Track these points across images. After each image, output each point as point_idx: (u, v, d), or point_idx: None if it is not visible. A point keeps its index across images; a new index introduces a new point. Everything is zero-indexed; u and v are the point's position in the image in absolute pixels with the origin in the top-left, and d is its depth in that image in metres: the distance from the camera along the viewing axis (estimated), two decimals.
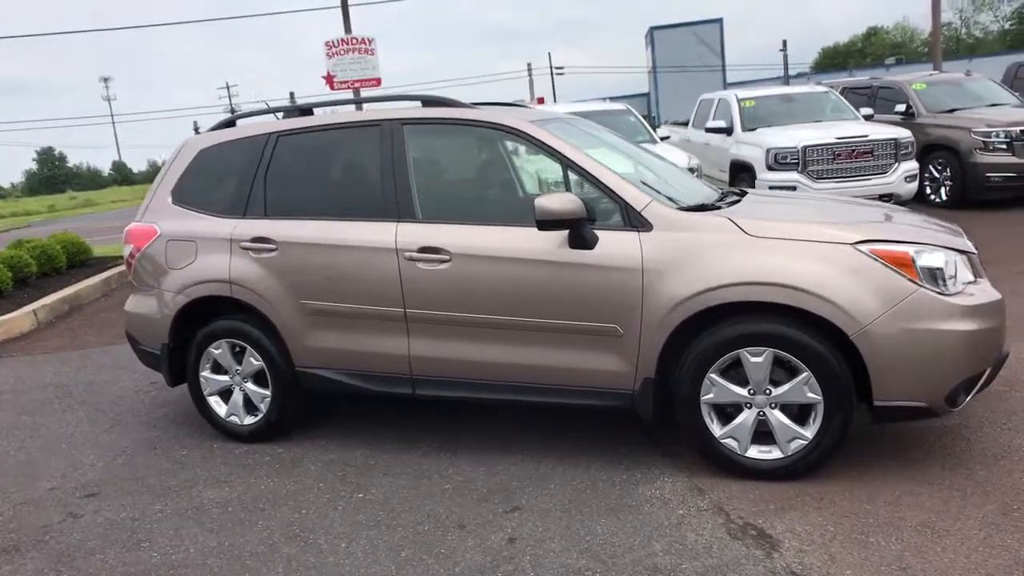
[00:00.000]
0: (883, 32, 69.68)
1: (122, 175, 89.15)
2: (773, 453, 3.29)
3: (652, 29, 39.85)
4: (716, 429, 3.34)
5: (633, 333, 3.36)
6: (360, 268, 3.81)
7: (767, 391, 3.24)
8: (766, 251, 3.19)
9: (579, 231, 3.39)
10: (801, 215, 3.60)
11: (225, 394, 4.32)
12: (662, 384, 3.40)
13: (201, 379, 4.32)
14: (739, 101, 10.91)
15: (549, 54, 75.22)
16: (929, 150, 10.57)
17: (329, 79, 13.71)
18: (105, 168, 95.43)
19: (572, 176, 3.75)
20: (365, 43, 15.22)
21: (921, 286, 3.05)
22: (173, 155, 4.48)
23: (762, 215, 3.43)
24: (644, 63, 42.83)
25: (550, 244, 3.47)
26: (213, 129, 4.49)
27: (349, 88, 14.38)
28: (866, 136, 9.31)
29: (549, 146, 3.59)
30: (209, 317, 4.29)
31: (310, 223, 3.98)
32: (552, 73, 48.29)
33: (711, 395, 3.31)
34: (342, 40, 15.26)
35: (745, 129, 10.40)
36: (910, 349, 3.03)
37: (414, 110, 3.97)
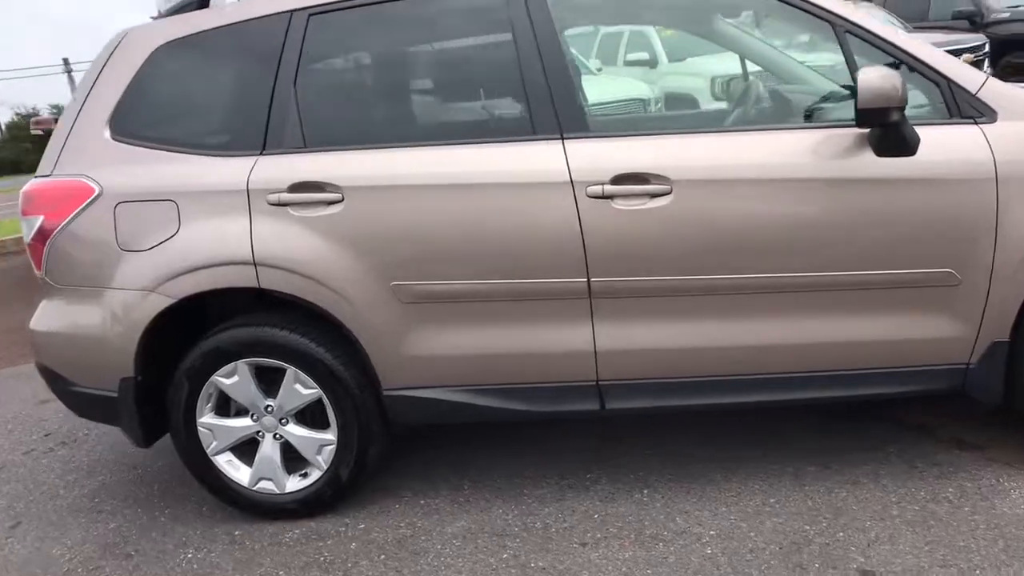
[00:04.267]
0: None
1: None
2: None
3: None
4: None
5: (978, 279, 2.22)
6: (506, 218, 2.32)
7: None
8: None
9: (899, 127, 2.16)
10: None
11: (241, 448, 2.65)
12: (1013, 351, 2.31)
13: (200, 429, 2.60)
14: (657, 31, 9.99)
15: None
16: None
17: None
18: None
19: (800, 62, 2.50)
20: None
21: None
22: (101, 61, 2.63)
23: None
24: None
25: (839, 154, 2.22)
26: (170, 13, 2.69)
27: None
28: None
29: (813, 3, 2.31)
30: (203, 325, 2.60)
31: (399, 154, 2.40)
32: None
33: None
34: None
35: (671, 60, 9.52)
36: None
37: None
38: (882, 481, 2.47)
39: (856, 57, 2.27)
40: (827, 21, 2.29)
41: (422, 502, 2.69)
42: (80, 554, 2.64)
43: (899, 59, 2.25)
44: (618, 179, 2.26)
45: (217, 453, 2.63)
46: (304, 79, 2.46)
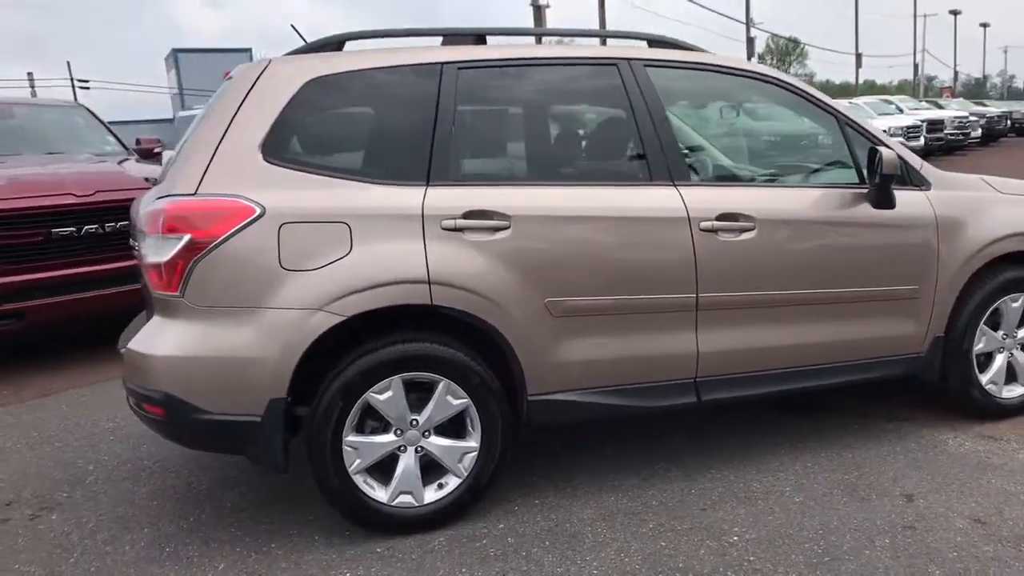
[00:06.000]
0: None
1: None
2: (1016, 391, 3.58)
3: (175, 51, 38.32)
4: (982, 377, 3.48)
5: (928, 292, 3.29)
6: (640, 246, 2.87)
7: (1014, 334, 3.52)
8: (1020, 205, 3.48)
9: (891, 190, 3.18)
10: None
11: (376, 468, 2.74)
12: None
13: (345, 448, 2.66)
14: None
15: (68, 63, 58.55)
16: None
17: None
18: None
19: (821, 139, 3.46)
20: None
21: None
22: (243, 89, 2.65)
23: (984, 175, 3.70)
24: (168, 85, 40.24)
25: (852, 206, 3.17)
26: (308, 51, 2.81)
27: None
28: None
29: (823, 102, 3.26)
30: (350, 344, 2.69)
31: (555, 190, 2.83)
32: (74, 85, 39.21)
33: (981, 344, 3.44)
34: None
35: None
36: None
37: (648, 50, 3.15)
38: (867, 444, 3.38)
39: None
40: (833, 116, 3.27)
41: (536, 502, 2.99)
42: None
43: (876, 145, 3.28)
44: (721, 216, 2.95)
45: (357, 472, 2.70)
46: (460, 122, 2.79)
